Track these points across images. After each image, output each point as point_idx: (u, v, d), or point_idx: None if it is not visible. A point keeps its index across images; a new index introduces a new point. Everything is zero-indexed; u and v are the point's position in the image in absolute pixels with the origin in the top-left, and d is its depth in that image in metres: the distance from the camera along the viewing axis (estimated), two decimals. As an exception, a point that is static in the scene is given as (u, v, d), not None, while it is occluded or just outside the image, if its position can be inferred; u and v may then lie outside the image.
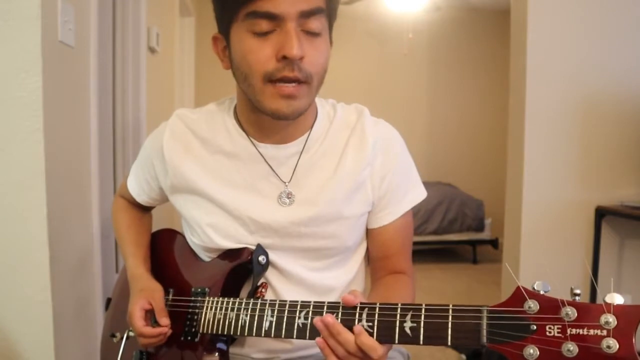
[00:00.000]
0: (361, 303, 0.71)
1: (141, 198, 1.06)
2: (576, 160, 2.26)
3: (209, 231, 0.91)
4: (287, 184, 0.90)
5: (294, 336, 0.76)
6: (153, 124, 1.28)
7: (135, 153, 1.10)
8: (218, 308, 0.86)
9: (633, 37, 2.23)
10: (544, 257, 2.27)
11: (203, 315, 0.87)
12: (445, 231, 4.37)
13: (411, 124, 5.16)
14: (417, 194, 0.97)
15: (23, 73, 1.17)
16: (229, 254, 0.91)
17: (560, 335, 0.56)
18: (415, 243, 1.69)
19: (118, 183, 1.95)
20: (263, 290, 0.90)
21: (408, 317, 0.67)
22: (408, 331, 0.67)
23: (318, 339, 0.71)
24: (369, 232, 0.97)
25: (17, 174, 1.19)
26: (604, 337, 0.54)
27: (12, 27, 1.15)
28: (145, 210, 1.14)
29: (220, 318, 0.85)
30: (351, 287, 0.96)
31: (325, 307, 0.74)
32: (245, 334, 0.81)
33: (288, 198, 0.90)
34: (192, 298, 0.91)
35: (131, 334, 0.94)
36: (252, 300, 0.82)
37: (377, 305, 0.70)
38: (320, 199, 0.89)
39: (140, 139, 2.14)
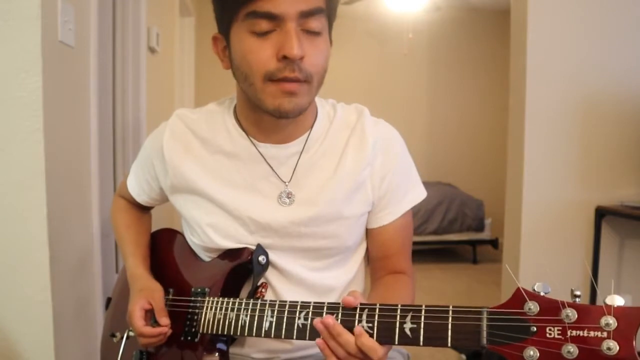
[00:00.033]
0: (361, 304, 0.71)
1: (141, 198, 1.06)
2: (576, 160, 2.26)
3: (209, 231, 0.91)
4: (287, 183, 0.90)
5: (294, 337, 0.76)
6: (153, 124, 1.28)
7: (135, 153, 1.10)
8: (218, 308, 0.86)
9: (633, 37, 2.23)
10: (544, 257, 2.27)
11: (203, 315, 0.87)
12: (445, 231, 4.37)
13: (411, 124, 5.16)
14: (417, 194, 0.97)
15: (23, 73, 1.16)
16: (228, 254, 0.91)
17: (560, 337, 0.56)
18: (415, 243, 1.69)
19: (118, 183, 1.95)
20: (263, 290, 0.90)
21: (408, 318, 0.67)
22: (408, 332, 0.67)
23: (318, 340, 0.71)
24: (368, 232, 0.97)
25: (17, 174, 1.19)
26: (604, 338, 0.54)
27: (12, 27, 1.15)
28: (144, 210, 1.14)
29: (220, 318, 0.85)
30: (351, 287, 0.96)
31: (325, 308, 0.74)
32: (245, 334, 0.81)
33: (288, 198, 0.90)
34: (192, 298, 0.91)
35: (131, 333, 0.94)
36: (252, 301, 0.82)
37: (377, 306, 0.70)
38: (320, 199, 0.89)
39: (140, 139, 2.14)
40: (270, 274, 0.92)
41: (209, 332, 0.86)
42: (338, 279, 0.95)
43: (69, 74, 1.35)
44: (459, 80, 5.31)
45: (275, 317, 0.78)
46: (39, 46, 1.16)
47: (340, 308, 0.72)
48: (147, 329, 0.87)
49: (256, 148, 0.91)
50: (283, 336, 0.77)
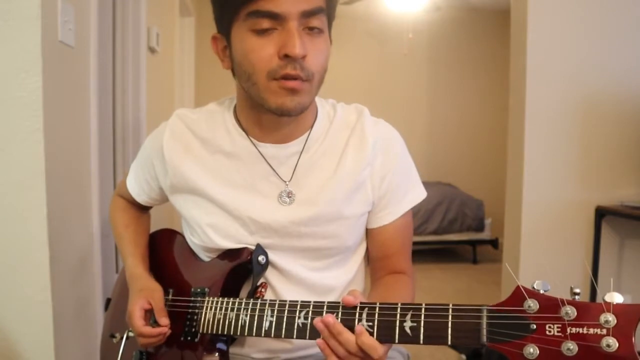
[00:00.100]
0: (361, 303, 0.71)
1: (141, 198, 1.06)
2: (576, 160, 2.26)
3: (208, 231, 0.91)
4: (287, 183, 0.90)
5: (294, 336, 0.76)
6: (153, 124, 1.28)
7: (135, 153, 1.10)
8: (218, 308, 0.86)
9: (633, 37, 2.23)
10: (544, 257, 2.27)
11: (203, 315, 0.87)
12: (445, 231, 4.37)
13: (411, 124, 5.16)
14: (417, 194, 0.97)
15: (23, 73, 1.17)
16: (228, 254, 0.91)
17: (560, 334, 0.56)
18: (415, 243, 1.69)
19: (118, 183, 1.95)
20: (263, 290, 0.90)
21: (408, 317, 0.67)
22: (408, 331, 0.67)
23: (318, 340, 0.72)
24: (368, 232, 0.97)
25: (17, 174, 1.19)
26: (603, 335, 0.54)
27: (12, 27, 1.15)
28: (143, 209, 1.14)
29: (220, 318, 0.85)
30: (351, 287, 0.96)
31: (325, 307, 0.74)
32: (245, 334, 0.81)
33: (288, 197, 0.90)
34: (192, 298, 0.91)
35: (131, 334, 0.94)
36: (252, 300, 0.82)
37: (377, 305, 0.70)
38: (320, 199, 0.89)
39: (140, 139, 2.14)
40: (270, 274, 0.92)
41: (209, 332, 0.86)
42: (338, 278, 0.95)
43: (69, 74, 1.35)
44: (459, 80, 5.31)
45: (275, 317, 0.78)
46: (39, 46, 1.16)
47: (341, 307, 0.72)
48: (146, 329, 0.87)
49: (256, 148, 0.91)
50: (283, 336, 0.77)
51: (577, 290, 0.57)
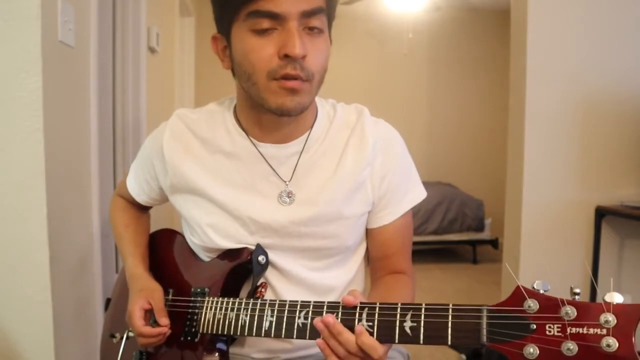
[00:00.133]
0: (361, 303, 0.71)
1: (141, 198, 1.06)
2: (576, 160, 2.26)
3: (208, 231, 0.91)
4: (287, 183, 0.90)
5: (294, 336, 0.76)
6: (153, 124, 1.28)
7: (135, 153, 1.10)
8: (218, 308, 0.86)
9: (633, 37, 2.23)
10: (544, 257, 2.27)
11: (203, 315, 0.87)
12: (445, 231, 4.37)
13: (411, 124, 5.16)
14: (417, 194, 0.97)
15: (23, 73, 1.17)
16: (228, 254, 0.91)
17: (560, 334, 0.56)
18: (415, 243, 1.69)
19: (118, 183, 1.95)
20: (263, 290, 0.90)
21: (408, 317, 0.67)
22: (408, 331, 0.67)
23: (318, 340, 0.72)
24: (368, 232, 0.97)
25: (17, 174, 1.19)
26: (603, 335, 0.54)
27: (12, 27, 1.15)
28: (143, 209, 1.14)
29: (220, 318, 0.85)
30: (351, 287, 0.96)
31: (325, 307, 0.74)
32: (245, 334, 0.81)
33: (288, 197, 0.90)
34: (192, 298, 0.91)
35: (131, 334, 0.94)
36: (252, 300, 0.82)
37: (377, 305, 0.70)
38: (320, 199, 0.89)
39: (140, 139, 2.14)
40: (270, 274, 0.92)
41: (209, 332, 0.86)
42: (338, 278, 0.95)
43: (69, 74, 1.35)
44: (459, 80, 5.31)
45: (275, 317, 0.78)
46: (39, 46, 1.16)
47: (340, 307, 0.72)
48: (146, 329, 0.87)
49: (256, 148, 0.91)
50: (283, 336, 0.77)
51: (577, 290, 0.57)
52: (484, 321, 0.61)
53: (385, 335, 0.68)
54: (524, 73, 2.24)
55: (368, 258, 1.00)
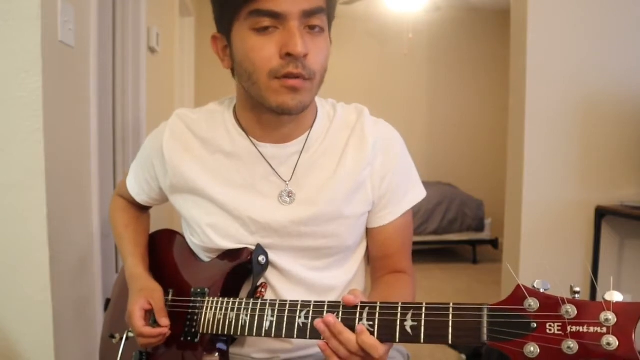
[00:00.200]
0: (362, 302, 0.71)
1: (140, 198, 1.06)
2: (576, 160, 2.26)
3: (208, 231, 0.91)
4: (287, 182, 0.90)
5: (295, 336, 0.76)
6: (153, 124, 1.28)
7: (135, 153, 1.10)
8: (218, 308, 0.85)
9: (633, 37, 2.23)
10: (544, 257, 2.27)
11: (203, 316, 0.87)
12: (445, 231, 4.37)
13: (411, 124, 5.16)
14: (417, 193, 0.97)
15: (23, 73, 1.17)
16: (228, 254, 0.91)
17: (560, 332, 0.56)
18: (415, 243, 1.69)
19: (118, 183, 1.95)
20: (263, 290, 0.90)
21: (409, 316, 0.67)
22: (409, 330, 0.67)
23: (319, 341, 0.72)
24: (369, 232, 0.97)
25: (17, 174, 1.19)
26: (603, 334, 0.54)
27: (12, 27, 1.15)
28: (143, 209, 1.14)
29: (220, 318, 0.85)
30: (351, 286, 0.96)
31: (325, 307, 0.74)
32: (246, 334, 0.81)
33: (289, 197, 0.90)
34: (192, 298, 0.91)
35: (130, 334, 0.94)
36: (252, 300, 0.82)
37: (378, 304, 0.70)
38: (320, 199, 0.89)
39: (140, 139, 2.14)
40: (270, 274, 0.92)
41: (209, 332, 0.86)
42: (338, 278, 0.95)
43: (69, 74, 1.35)
44: (459, 80, 5.32)
45: (275, 317, 0.78)
46: (39, 46, 1.16)
47: (341, 307, 0.72)
48: (146, 330, 0.87)
49: (256, 148, 0.91)
50: (284, 335, 0.77)
51: (577, 289, 0.57)
52: (485, 320, 0.61)
53: (386, 335, 0.68)
54: (524, 73, 2.24)
55: (369, 258, 1.01)
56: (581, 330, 0.55)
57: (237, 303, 0.84)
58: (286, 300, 0.78)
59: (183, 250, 1.01)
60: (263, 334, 0.79)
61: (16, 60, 1.16)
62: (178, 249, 1.03)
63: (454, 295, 3.59)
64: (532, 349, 0.57)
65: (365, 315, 0.70)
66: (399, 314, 0.68)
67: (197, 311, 0.89)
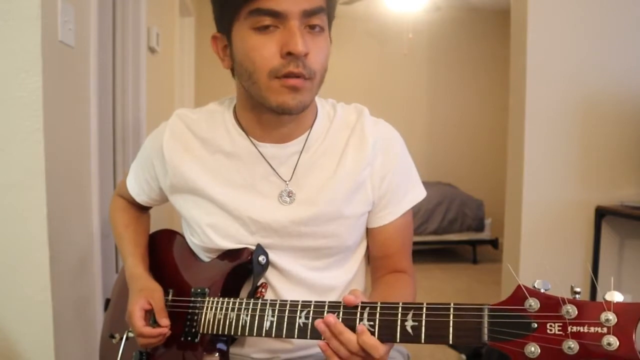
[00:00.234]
0: (362, 302, 0.71)
1: (140, 198, 1.06)
2: (576, 160, 2.26)
3: (208, 231, 0.91)
4: (287, 182, 0.90)
5: (295, 336, 0.76)
6: (153, 124, 1.28)
7: (135, 153, 1.10)
8: (218, 308, 0.85)
9: (633, 37, 2.23)
10: (544, 257, 2.27)
11: (203, 316, 0.87)
12: (445, 231, 4.37)
13: (411, 124, 5.16)
14: (417, 193, 0.97)
15: (23, 73, 1.17)
16: (228, 254, 0.91)
17: (561, 332, 0.56)
18: (415, 243, 1.69)
19: (118, 183, 1.95)
20: (263, 290, 0.90)
21: (409, 316, 0.67)
22: (409, 330, 0.67)
23: (320, 342, 0.72)
24: (369, 232, 0.97)
25: (17, 174, 1.19)
26: (604, 334, 0.54)
27: (12, 27, 1.15)
28: (143, 209, 1.14)
29: (220, 318, 0.85)
30: (351, 286, 0.96)
31: (326, 307, 0.74)
32: (246, 334, 0.81)
33: (289, 197, 0.90)
34: (192, 298, 0.91)
35: (130, 334, 0.94)
36: (252, 301, 0.82)
37: (379, 304, 0.70)
38: (320, 199, 0.89)
39: (140, 139, 2.14)
40: (270, 274, 0.92)
41: (209, 332, 0.86)
42: (338, 278, 0.95)
43: (69, 74, 1.35)
44: (459, 80, 5.32)
45: (276, 317, 0.78)
46: (39, 46, 1.16)
47: (342, 307, 0.72)
48: (147, 329, 0.87)
49: (256, 148, 0.91)
50: (284, 336, 0.77)
51: (578, 289, 0.57)
52: (486, 320, 0.62)
53: (386, 335, 0.68)
54: (524, 73, 2.24)
55: (369, 257, 1.00)
56: (582, 330, 0.55)
57: (237, 303, 0.84)
58: (286, 301, 0.78)
59: (183, 250, 1.01)
60: (263, 334, 0.79)
61: (16, 60, 1.16)
62: (178, 249, 1.03)
63: (454, 295, 3.59)
64: (533, 349, 0.57)
65: (365, 315, 0.70)
66: (399, 314, 0.68)
67: (197, 311, 0.89)
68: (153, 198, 1.05)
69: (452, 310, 0.64)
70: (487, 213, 4.48)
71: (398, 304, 0.69)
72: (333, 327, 0.70)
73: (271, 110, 0.83)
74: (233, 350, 0.92)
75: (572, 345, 0.55)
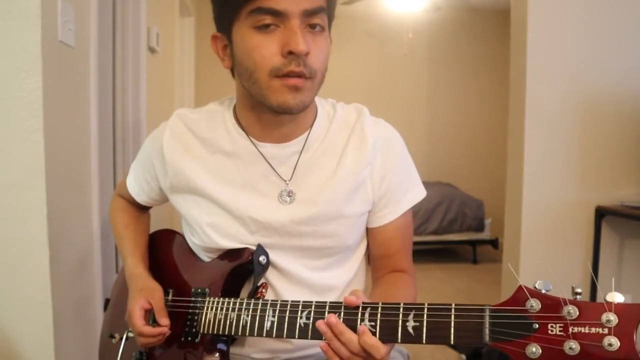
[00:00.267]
0: (363, 303, 0.71)
1: (141, 198, 1.06)
2: (576, 160, 2.26)
3: (209, 231, 0.91)
4: (287, 182, 0.90)
5: (296, 336, 0.76)
6: (153, 124, 1.28)
7: (135, 153, 1.10)
8: (219, 308, 0.85)
9: (633, 37, 2.23)
10: (544, 257, 2.26)
11: (203, 316, 0.87)
12: (445, 231, 4.37)
13: (411, 124, 5.16)
14: (417, 193, 0.97)
15: (23, 73, 1.16)
16: (229, 254, 0.91)
17: (562, 333, 0.56)
18: (415, 243, 1.69)
19: (118, 183, 1.95)
20: (263, 290, 0.90)
21: (411, 317, 0.67)
22: (411, 330, 0.67)
23: (321, 342, 0.72)
24: (369, 231, 0.97)
25: (17, 174, 1.19)
26: (605, 335, 0.54)
27: (12, 27, 1.15)
28: (143, 209, 1.14)
29: (221, 318, 0.85)
30: (351, 286, 0.96)
31: (327, 307, 0.74)
32: (247, 334, 0.81)
33: (289, 196, 0.90)
34: (192, 298, 0.91)
35: (130, 334, 0.94)
36: (253, 301, 0.82)
37: (380, 304, 0.70)
38: (320, 198, 0.89)
39: (140, 139, 2.14)
40: (270, 274, 0.92)
41: (210, 332, 0.86)
42: (338, 278, 0.95)
43: (69, 74, 1.35)
44: (459, 80, 5.32)
45: (276, 317, 0.78)
46: (39, 46, 1.16)
47: (343, 307, 0.72)
48: (146, 329, 0.87)
49: (256, 147, 0.91)
50: (285, 336, 0.77)
51: (579, 290, 0.57)
52: (487, 320, 0.62)
53: (387, 335, 0.68)
54: (524, 73, 2.24)
55: (369, 257, 1.00)
56: (583, 331, 0.55)
57: (238, 303, 0.84)
58: (287, 301, 0.78)
59: (183, 250, 1.01)
60: (264, 334, 0.79)
61: (16, 60, 1.16)
62: (178, 249, 1.03)
63: (454, 295, 3.59)
64: (534, 349, 0.57)
65: (367, 315, 0.70)
66: (400, 315, 0.68)
67: (197, 311, 0.89)
68: (153, 198, 1.05)
69: (453, 310, 0.65)
70: (487, 213, 4.49)
71: (399, 304, 0.69)
72: (334, 328, 0.70)
73: (271, 109, 0.83)
74: (233, 350, 0.92)
75: (574, 346, 0.55)
